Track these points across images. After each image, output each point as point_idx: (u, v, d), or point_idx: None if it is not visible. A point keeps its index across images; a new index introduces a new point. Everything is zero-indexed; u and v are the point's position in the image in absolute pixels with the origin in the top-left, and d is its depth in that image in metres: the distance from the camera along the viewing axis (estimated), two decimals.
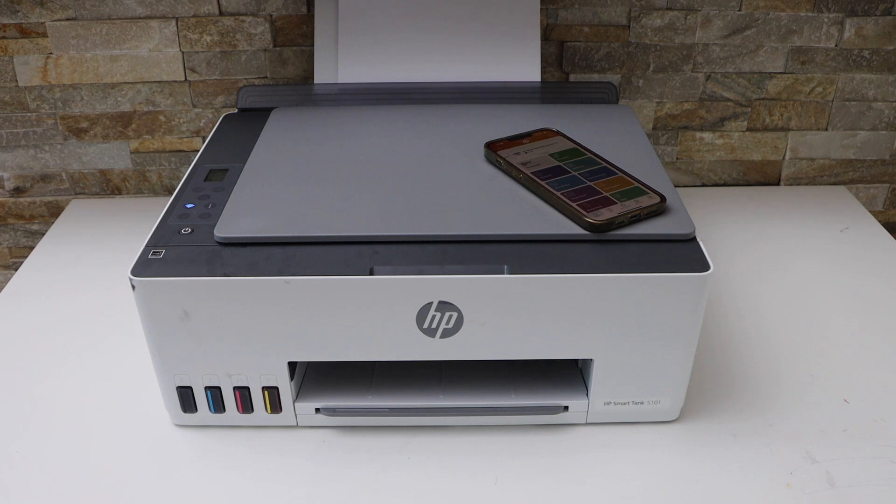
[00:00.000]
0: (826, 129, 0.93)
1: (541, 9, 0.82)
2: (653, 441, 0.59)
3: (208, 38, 0.86)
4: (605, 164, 0.61)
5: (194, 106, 0.90)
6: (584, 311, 0.53)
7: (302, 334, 0.54)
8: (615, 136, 0.67)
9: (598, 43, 0.87)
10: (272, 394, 0.57)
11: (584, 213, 0.54)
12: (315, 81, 0.80)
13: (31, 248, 0.95)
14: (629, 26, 0.86)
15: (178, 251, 0.54)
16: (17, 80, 0.87)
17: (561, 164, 0.61)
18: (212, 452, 0.58)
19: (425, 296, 0.52)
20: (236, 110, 0.78)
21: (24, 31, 0.84)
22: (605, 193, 0.57)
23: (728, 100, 0.91)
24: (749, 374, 0.65)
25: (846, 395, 0.63)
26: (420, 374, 0.61)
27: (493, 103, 0.74)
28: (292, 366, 0.57)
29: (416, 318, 0.53)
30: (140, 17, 0.84)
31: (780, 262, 0.80)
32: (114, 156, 0.93)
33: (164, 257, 0.53)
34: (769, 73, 0.89)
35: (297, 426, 0.60)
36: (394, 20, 0.78)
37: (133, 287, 0.52)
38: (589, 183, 0.58)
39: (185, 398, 0.58)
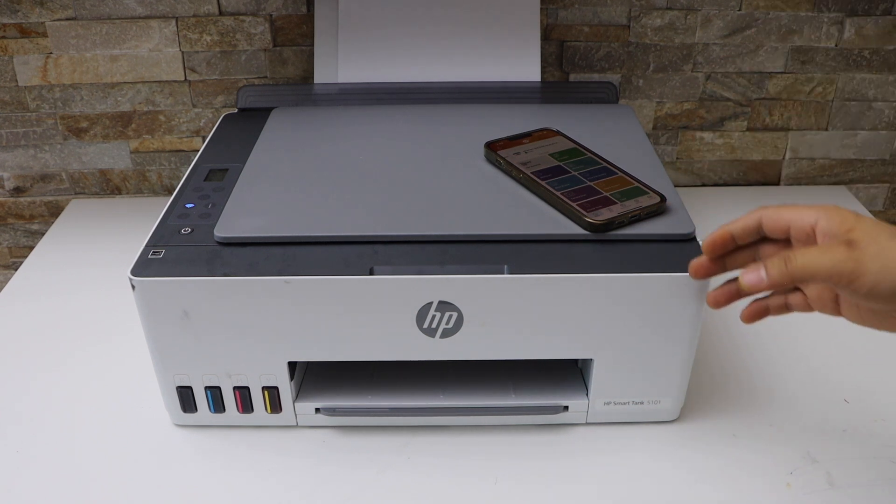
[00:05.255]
0: (826, 129, 0.93)
1: (541, 9, 0.82)
2: (653, 441, 0.59)
3: (208, 38, 0.86)
4: (605, 163, 0.61)
5: (194, 106, 0.90)
6: (584, 311, 0.53)
7: (302, 334, 0.54)
8: (615, 136, 0.67)
9: (598, 43, 0.87)
10: (272, 394, 0.57)
11: (584, 213, 0.54)
12: (315, 81, 0.80)
13: (31, 248, 0.95)
14: (629, 26, 0.86)
15: (178, 251, 0.54)
16: (17, 80, 0.87)
17: (561, 163, 0.61)
18: (212, 452, 0.58)
19: (425, 296, 0.52)
20: (236, 110, 0.77)
21: (24, 31, 0.84)
22: (605, 193, 0.57)
23: (728, 99, 0.91)
24: (749, 374, 0.65)
25: (846, 395, 0.63)
26: (420, 374, 0.61)
27: (493, 103, 0.74)
28: (292, 366, 0.57)
29: (415, 318, 0.53)
30: (140, 17, 0.84)
31: None
32: (114, 156, 0.93)
33: (164, 257, 0.53)
34: (769, 73, 0.89)
35: (297, 426, 0.60)
36: (394, 20, 0.78)
37: (133, 287, 0.52)
38: (589, 183, 0.58)
39: (185, 398, 0.58)
